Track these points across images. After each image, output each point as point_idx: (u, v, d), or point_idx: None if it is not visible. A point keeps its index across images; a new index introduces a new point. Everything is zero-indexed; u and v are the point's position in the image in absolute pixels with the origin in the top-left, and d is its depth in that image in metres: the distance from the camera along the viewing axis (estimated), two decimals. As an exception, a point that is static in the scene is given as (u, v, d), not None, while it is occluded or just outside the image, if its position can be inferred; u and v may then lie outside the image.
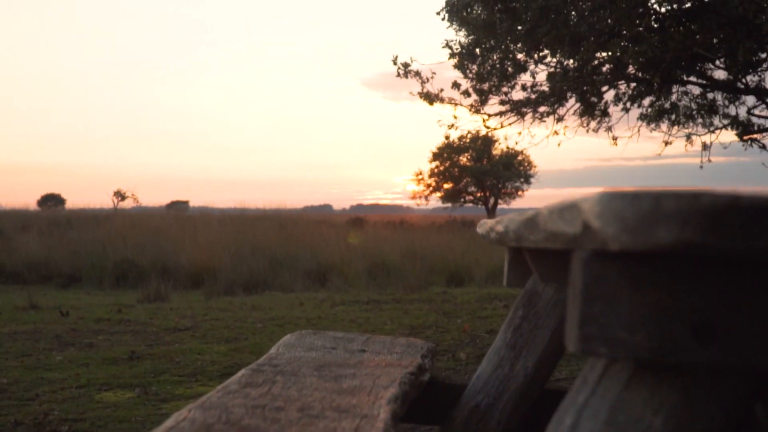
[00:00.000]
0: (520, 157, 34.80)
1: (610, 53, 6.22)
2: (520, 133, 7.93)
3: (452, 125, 7.71)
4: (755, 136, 7.53)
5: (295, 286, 7.71)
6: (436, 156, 35.73)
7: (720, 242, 0.53)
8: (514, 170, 35.54)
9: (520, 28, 5.84)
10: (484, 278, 8.87)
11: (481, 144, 32.95)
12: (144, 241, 11.07)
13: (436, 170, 36.15)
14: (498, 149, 35.18)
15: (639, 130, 7.90)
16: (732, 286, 0.63)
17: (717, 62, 6.79)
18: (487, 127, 7.95)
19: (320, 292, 7.35)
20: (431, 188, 36.62)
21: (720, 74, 7.12)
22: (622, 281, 0.65)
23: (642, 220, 0.53)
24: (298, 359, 1.43)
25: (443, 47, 6.67)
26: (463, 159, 35.55)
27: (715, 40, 6.11)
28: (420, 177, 37.30)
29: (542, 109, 7.66)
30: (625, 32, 6.18)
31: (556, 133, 7.86)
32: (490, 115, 7.64)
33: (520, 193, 37.87)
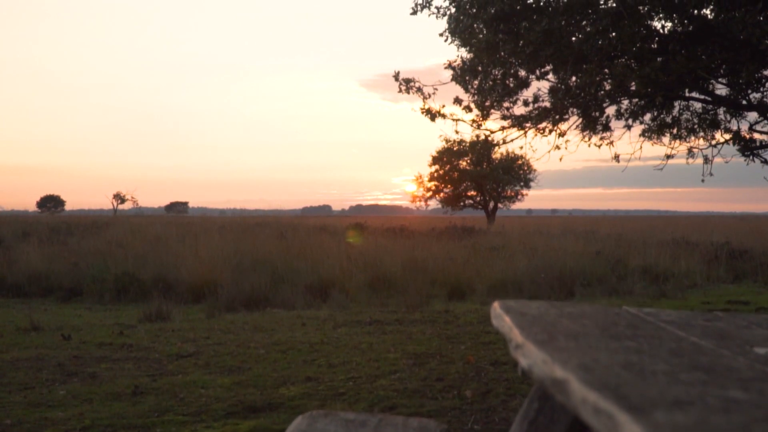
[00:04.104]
0: (519, 161, 34.79)
1: (613, 73, 6.21)
2: (522, 147, 7.95)
3: (454, 140, 7.73)
4: (757, 151, 7.53)
5: (296, 303, 7.68)
6: (435, 160, 35.69)
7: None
8: (513, 174, 35.51)
9: (522, 50, 5.82)
10: (486, 291, 8.85)
11: (481, 148, 32.83)
12: (144, 252, 11.06)
13: (435, 174, 36.11)
14: (498, 153, 35.10)
15: (641, 146, 7.89)
16: None
17: (720, 80, 6.78)
18: (490, 141, 7.95)
19: (322, 309, 7.33)
20: (431, 192, 36.58)
21: (723, 90, 7.11)
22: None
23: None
24: (312, 455, 1.42)
25: (446, 68, 6.65)
26: (463, 163, 35.51)
27: (718, 61, 6.10)
28: (420, 180, 37.31)
29: (544, 124, 7.65)
30: (627, 51, 6.16)
31: (558, 147, 7.85)
32: (492, 131, 7.64)
33: (520, 195, 37.84)
